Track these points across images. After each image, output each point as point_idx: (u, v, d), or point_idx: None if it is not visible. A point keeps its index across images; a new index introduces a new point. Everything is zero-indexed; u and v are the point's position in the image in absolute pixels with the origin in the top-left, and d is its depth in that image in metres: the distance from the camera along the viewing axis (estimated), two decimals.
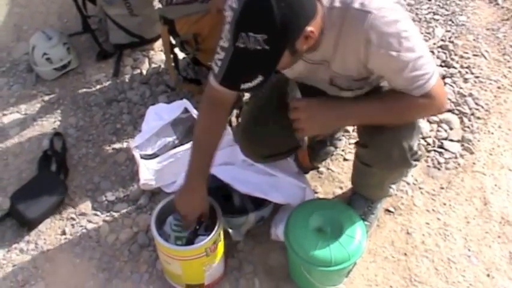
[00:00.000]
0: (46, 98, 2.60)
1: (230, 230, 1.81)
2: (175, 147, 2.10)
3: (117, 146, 2.35)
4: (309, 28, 1.22)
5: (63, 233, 2.07)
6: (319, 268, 1.62)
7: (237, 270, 1.88)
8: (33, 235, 2.07)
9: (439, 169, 2.13)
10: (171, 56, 2.37)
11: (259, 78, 1.21)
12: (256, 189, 1.84)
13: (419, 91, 1.36)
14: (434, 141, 2.22)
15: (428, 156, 2.17)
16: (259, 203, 1.88)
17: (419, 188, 2.07)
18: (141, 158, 2.10)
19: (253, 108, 1.81)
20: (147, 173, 2.06)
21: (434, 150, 2.19)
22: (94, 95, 2.59)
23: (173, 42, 2.34)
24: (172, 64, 2.38)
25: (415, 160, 1.62)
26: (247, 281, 1.85)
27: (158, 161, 2.09)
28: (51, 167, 2.25)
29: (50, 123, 2.48)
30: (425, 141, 2.22)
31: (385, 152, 1.56)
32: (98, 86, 2.64)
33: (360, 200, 1.89)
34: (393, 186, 1.84)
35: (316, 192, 2.08)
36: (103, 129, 2.44)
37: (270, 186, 1.86)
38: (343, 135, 2.20)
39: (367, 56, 1.33)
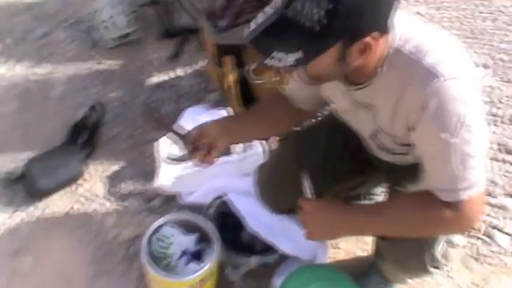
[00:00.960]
0: (98, 65, 2.54)
1: (227, 269, 1.67)
2: None
3: (151, 135, 2.25)
4: (373, 36, 1.03)
5: (70, 210, 2.01)
6: None
7: None
8: (40, 206, 2.03)
9: (478, 261, 1.89)
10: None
11: (299, 54, 1.01)
12: (268, 233, 1.70)
13: (450, 196, 1.13)
14: (483, 227, 1.98)
15: (470, 243, 1.93)
16: (268, 246, 1.73)
17: (449, 277, 1.84)
18: (167, 157, 1.99)
19: (275, 159, 1.65)
20: (166, 177, 1.95)
21: (480, 238, 1.95)
22: (147, 73, 2.50)
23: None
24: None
25: (434, 267, 1.42)
26: None
27: (184, 166, 1.97)
28: (78, 139, 2.19)
29: (93, 93, 2.43)
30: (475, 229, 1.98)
31: (402, 255, 1.39)
32: (153, 65, 2.54)
33: (376, 276, 1.71)
34: None
35: (338, 248, 1.91)
36: (144, 112, 2.35)
37: (283, 232, 1.70)
38: (382, 191, 2.00)
39: (416, 123, 1.13)
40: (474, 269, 1.87)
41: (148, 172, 2.11)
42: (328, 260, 1.83)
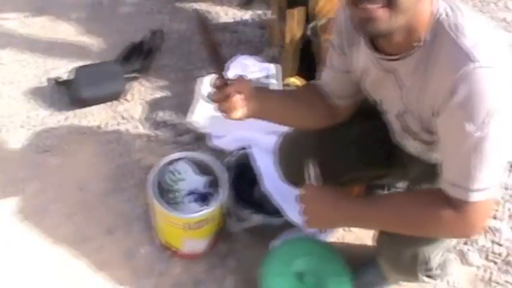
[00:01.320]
0: None
1: (230, 219, 1.68)
2: None
3: (201, 72, 2.26)
4: None
5: (104, 125, 2.08)
6: None
7: (219, 258, 1.76)
8: (79, 113, 2.13)
9: (488, 286, 1.80)
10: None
11: None
12: (280, 197, 1.69)
13: (459, 193, 1.05)
14: (504, 253, 1.87)
15: (485, 266, 1.84)
16: (276, 208, 1.72)
17: None
18: (206, 96, 2.00)
19: (298, 133, 1.60)
20: (200, 114, 1.97)
21: (497, 264, 1.85)
22: (214, 12, 2.49)
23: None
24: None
25: (427, 276, 1.36)
26: (221, 274, 1.73)
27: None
28: (131, 60, 2.23)
29: (158, 19, 2.45)
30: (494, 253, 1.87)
31: (396, 251, 1.33)
32: (223, 6, 2.53)
33: (375, 268, 1.66)
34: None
35: (349, 231, 1.87)
36: (197, 50, 2.37)
37: (293, 199, 1.68)
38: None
39: (442, 108, 1.04)
40: None
41: (188, 108, 2.13)
42: (332, 239, 1.81)
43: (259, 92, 1.32)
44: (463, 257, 1.84)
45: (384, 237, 1.40)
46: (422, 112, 1.13)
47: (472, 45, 0.98)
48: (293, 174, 1.56)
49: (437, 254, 1.33)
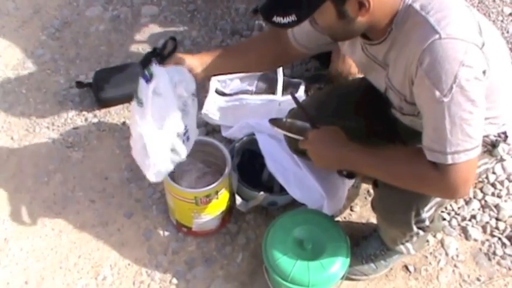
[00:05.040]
0: (186, 4, 2.79)
1: (238, 198, 1.85)
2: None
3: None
4: None
5: (123, 123, 2.30)
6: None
7: (230, 236, 1.95)
8: (101, 112, 2.35)
9: (489, 260, 1.91)
10: None
11: (292, 18, 1.18)
12: (281, 175, 1.86)
13: (437, 157, 1.20)
14: (506, 228, 1.98)
15: (488, 240, 1.95)
16: (284, 188, 1.88)
17: (455, 266, 1.89)
18: (215, 91, 2.21)
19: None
20: (212, 106, 2.17)
21: (500, 239, 1.96)
22: (225, 20, 2.72)
23: None
24: None
25: (419, 228, 1.49)
26: (232, 251, 1.91)
27: (226, 99, 2.18)
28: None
29: (174, 27, 2.68)
30: (498, 229, 1.99)
31: (390, 203, 1.47)
32: (234, 14, 2.75)
33: (376, 241, 1.80)
34: (409, 246, 1.71)
35: (352, 210, 2.02)
36: None
37: (296, 180, 1.85)
38: None
39: (414, 78, 1.21)
40: (483, 266, 1.90)
41: (202, 105, 2.32)
42: (335, 216, 1.96)
43: (201, 58, 1.60)
44: (466, 233, 1.96)
45: (377, 191, 1.54)
46: (403, 88, 1.29)
47: (437, 20, 1.16)
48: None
49: (430, 207, 1.47)
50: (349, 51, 1.52)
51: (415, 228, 1.51)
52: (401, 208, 1.46)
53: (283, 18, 1.19)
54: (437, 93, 1.14)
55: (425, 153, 1.22)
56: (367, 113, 1.63)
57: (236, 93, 2.20)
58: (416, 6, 1.20)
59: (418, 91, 1.22)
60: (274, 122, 1.56)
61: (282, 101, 2.09)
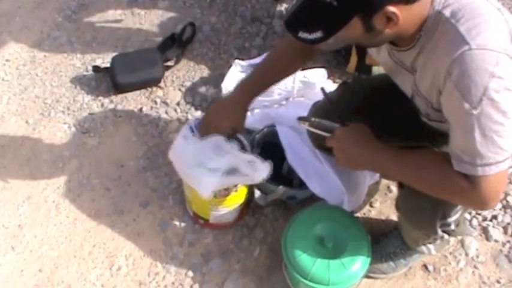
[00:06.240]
0: None
1: (257, 191, 1.82)
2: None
3: (232, 61, 2.41)
4: (392, 9, 1.11)
5: (140, 110, 2.26)
6: (315, 286, 1.58)
7: (248, 230, 1.92)
8: (118, 98, 2.31)
9: (510, 262, 1.87)
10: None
11: (318, 34, 1.16)
12: (302, 169, 1.83)
13: (467, 169, 1.16)
14: None
15: (509, 242, 1.91)
16: (303, 182, 1.84)
17: (474, 267, 1.86)
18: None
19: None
20: (232, 80, 2.15)
21: None
22: (245, 6, 2.67)
23: None
24: None
25: (444, 232, 1.45)
26: (249, 245, 1.89)
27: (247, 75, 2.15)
28: (170, 49, 2.42)
29: (193, 12, 2.64)
30: None
31: (416, 206, 1.44)
32: (254, 0, 2.69)
33: (397, 239, 1.77)
34: (430, 247, 1.68)
35: (372, 206, 1.98)
36: (232, 40, 2.54)
37: (316, 173, 1.82)
38: None
39: (442, 88, 1.17)
40: (503, 268, 1.87)
41: (220, 94, 2.29)
42: (356, 215, 1.92)
43: (247, 100, 1.65)
44: (487, 233, 1.92)
45: (403, 192, 1.51)
46: (431, 95, 1.26)
47: (467, 29, 1.11)
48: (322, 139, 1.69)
49: (456, 211, 1.43)
50: (374, 53, 1.48)
51: (440, 232, 1.48)
52: (427, 211, 1.42)
53: (310, 34, 1.16)
54: (467, 105, 1.10)
55: (453, 163, 1.18)
56: (395, 111, 1.58)
57: None
58: (447, 13, 1.16)
59: (446, 102, 1.19)
60: (302, 119, 1.51)
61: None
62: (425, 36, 1.20)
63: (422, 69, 1.26)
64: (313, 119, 1.50)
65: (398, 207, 1.58)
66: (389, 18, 1.12)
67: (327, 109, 1.57)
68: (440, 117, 1.28)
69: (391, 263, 1.78)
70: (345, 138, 1.38)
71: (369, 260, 1.61)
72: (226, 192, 1.72)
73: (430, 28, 1.19)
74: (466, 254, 1.88)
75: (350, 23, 1.13)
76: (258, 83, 1.65)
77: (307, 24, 1.16)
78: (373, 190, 2.01)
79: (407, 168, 1.28)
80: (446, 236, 1.53)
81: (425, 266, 1.85)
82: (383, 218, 1.97)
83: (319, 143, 1.65)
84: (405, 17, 1.13)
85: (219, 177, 1.58)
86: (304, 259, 1.58)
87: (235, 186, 1.73)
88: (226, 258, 1.85)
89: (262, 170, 1.60)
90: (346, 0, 1.10)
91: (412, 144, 1.71)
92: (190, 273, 1.82)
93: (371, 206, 2.00)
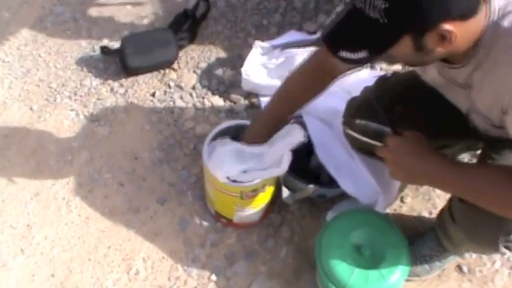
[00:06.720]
0: None
1: (284, 189, 1.69)
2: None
3: (250, 40, 2.26)
4: (447, 26, 0.98)
5: (153, 94, 2.11)
6: None
7: (273, 229, 1.80)
8: (128, 82, 2.16)
9: None
10: None
11: (363, 54, 1.03)
12: (333, 166, 1.69)
13: None
14: None
15: None
16: (333, 179, 1.71)
17: (511, 268, 1.74)
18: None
19: (365, 97, 1.58)
20: (253, 63, 2.04)
21: None
22: None
23: None
24: None
25: (507, 248, 1.33)
26: (275, 244, 1.77)
27: (270, 56, 2.09)
28: (182, 27, 2.24)
29: None
30: None
31: (478, 221, 1.31)
32: None
33: (433, 241, 1.65)
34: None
35: (403, 202, 1.86)
36: (249, 17, 2.37)
37: (349, 172, 1.68)
38: (469, 159, 1.87)
39: (509, 108, 1.06)
40: None
41: (239, 73, 2.12)
42: (387, 211, 1.79)
43: (270, 132, 1.56)
44: None
45: (462, 206, 1.38)
46: (491, 113, 1.15)
47: None
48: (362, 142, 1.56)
49: None
50: (419, 71, 1.35)
51: (502, 249, 1.35)
52: (490, 228, 1.29)
53: (353, 54, 1.04)
54: None
55: None
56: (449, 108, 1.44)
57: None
58: (505, 24, 1.03)
59: None
60: (347, 124, 1.37)
61: None
62: (482, 51, 1.08)
63: (479, 85, 1.14)
64: (358, 121, 1.35)
65: (454, 218, 1.44)
66: (443, 37, 1.00)
67: (371, 109, 1.42)
68: (502, 133, 1.17)
69: (426, 266, 1.67)
70: (399, 149, 1.23)
71: (408, 268, 1.51)
72: (254, 193, 1.59)
73: (487, 43, 1.06)
74: (502, 253, 1.76)
75: (399, 41, 1.01)
76: (267, 125, 1.56)
77: (351, 43, 1.04)
78: (403, 185, 1.87)
79: (468, 185, 1.17)
80: (508, 253, 1.41)
81: (459, 267, 1.74)
82: (415, 214, 1.84)
83: (361, 147, 1.51)
84: (461, 34, 1.01)
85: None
86: (341, 269, 1.46)
87: (264, 186, 1.59)
88: (252, 260, 1.73)
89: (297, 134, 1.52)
90: (396, 17, 0.97)
91: (465, 144, 1.60)
92: (214, 277, 1.70)
93: (402, 201, 1.87)
